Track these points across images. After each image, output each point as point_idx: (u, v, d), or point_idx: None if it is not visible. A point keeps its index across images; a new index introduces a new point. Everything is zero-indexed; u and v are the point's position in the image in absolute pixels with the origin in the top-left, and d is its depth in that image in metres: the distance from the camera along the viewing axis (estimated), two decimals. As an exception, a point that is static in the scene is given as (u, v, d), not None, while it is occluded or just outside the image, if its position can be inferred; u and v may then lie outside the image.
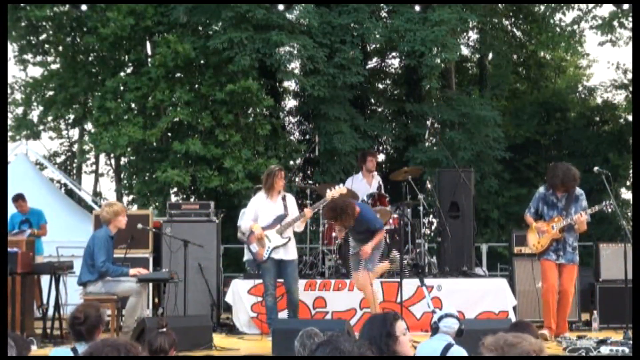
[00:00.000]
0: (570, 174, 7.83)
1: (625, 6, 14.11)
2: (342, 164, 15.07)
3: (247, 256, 9.87)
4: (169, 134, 15.58)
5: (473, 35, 19.83)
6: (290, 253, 7.97)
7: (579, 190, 7.97)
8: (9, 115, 17.85)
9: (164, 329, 4.63)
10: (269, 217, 7.95)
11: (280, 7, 13.34)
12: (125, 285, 7.83)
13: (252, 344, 7.98)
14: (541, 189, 8.09)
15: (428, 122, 16.76)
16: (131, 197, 17.29)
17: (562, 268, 7.90)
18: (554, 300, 7.82)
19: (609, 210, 7.86)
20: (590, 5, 17.17)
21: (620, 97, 19.06)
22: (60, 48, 17.35)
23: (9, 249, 7.85)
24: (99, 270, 7.77)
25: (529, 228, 8.10)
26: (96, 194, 19.42)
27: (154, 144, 15.52)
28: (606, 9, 16.58)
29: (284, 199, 8.02)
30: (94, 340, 4.41)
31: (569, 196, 7.89)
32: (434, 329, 4.71)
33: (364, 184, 9.60)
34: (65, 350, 4.47)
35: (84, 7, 12.34)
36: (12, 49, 17.36)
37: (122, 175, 17.96)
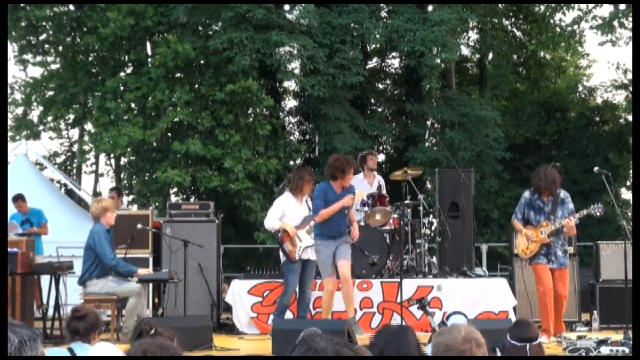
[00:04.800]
0: (550, 177, 7.78)
1: (622, 6, 14.13)
2: (342, 164, 15.05)
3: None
4: (169, 134, 15.58)
5: (473, 35, 19.87)
6: (313, 253, 8.11)
7: (564, 193, 7.92)
8: (9, 115, 17.84)
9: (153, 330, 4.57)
10: (298, 218, 8.10)
11: (286, 6, 13.34)
12: (126, 286, 7.84)
13: (252, 344, 7.99)
14: (526, 194, 8.03)
15: (428, 122, 16.73)
16: (131, 197, 17.28)
17: (554, 272, 7.85)
18: (551, 303, 7.78)
19: (597, 214, 7.82)
20: (590, 5, 17.18)
21: (620, 97, 19.08)
22: (60, 48, 17.34)
23: (9, 249, 7.86)
24: (110, 264, 7.76)
25: (518, 233, 8.07)
26: (96, 194, 19.40)
27: (154, 144, 15.51)
28: (606, 9, 16.61)
29: (306, 200, 8.23)
30: (89, 341, 4.39)
31: (554, 200, 7.83)
32: None
33: (364, 184, 9.60)
34: (61, 351, 4.44)
35: (71, 7, 12.20)
36: (12, 49, 17.37)
37: (122, 176, 17.95)
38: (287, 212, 8.17)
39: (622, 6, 13.54)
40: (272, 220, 8.20)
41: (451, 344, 2.86)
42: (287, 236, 8.01)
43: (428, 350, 4.93)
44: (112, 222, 8.00)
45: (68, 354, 4.33)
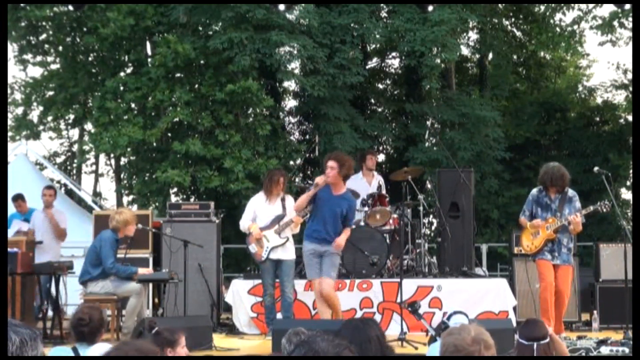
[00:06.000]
0: (558, 172, 7.78)
1: (627, 6, 14.12)
2: (342, 164, 15.03)
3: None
4: (169, 134, 15.57)
5: (473, 35, 19.86)
6: (288, 253, 8.08)
7: (572, 192, 7.89)
8: (9, 115, 17.84)
9: (155, 329, 4.61)
10: (268, 218, 8.07)
11: (281, 7, 13.30)
12: (126, 286, 7.86)
13: (252, 344, 8.00)
14: (534, 191, 8.01)
15: (428, 122, 16.75)
16: (131, 197, 17.28)
17: (557, 269, 7.80)
18: (552, 299, 7.74)
19: (604, 210, 7.79)
20: (590, 5, 17.17)
21: (620, 97, 19.06)
22: (60, 48, 17.32)
23: (9, 249, 7.87)
24: (109, 271, 7.83)
25: (522, 230, 8.05)
26: (96, 194, 19.41)
27: (154, 144, 15.51)
28: (606, 9, 16.60)
29: (282, 199, 8.15)
30: (95, 342, 4.41)
31: (562, 197, 7.80)
32: (444, 329, 4.66)
33: (363, 183, 9.61)
34: (66, 350, 4.46)
35: (71, 7, 12.23)
36: (12, 49, 17.36)
37: (122, 176, 17.95)
38: (257, 212, 8.19)
39: (627, 6, 13.51)
40: (244, 222, 8.28)
41: (460, 345, 2.85)
42: (253, 237, 8.05)
43: (429, 351, 4.95)
44: (132, 234, 8.08)
45: (72, 354, 4.37)
